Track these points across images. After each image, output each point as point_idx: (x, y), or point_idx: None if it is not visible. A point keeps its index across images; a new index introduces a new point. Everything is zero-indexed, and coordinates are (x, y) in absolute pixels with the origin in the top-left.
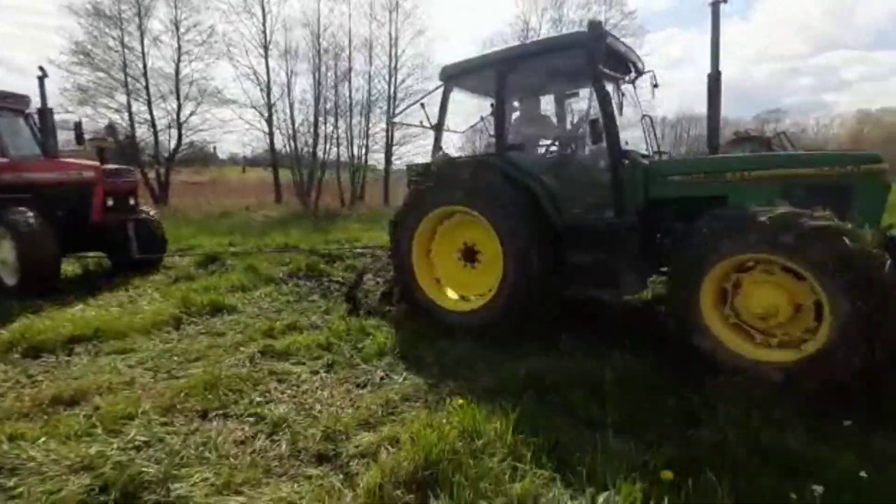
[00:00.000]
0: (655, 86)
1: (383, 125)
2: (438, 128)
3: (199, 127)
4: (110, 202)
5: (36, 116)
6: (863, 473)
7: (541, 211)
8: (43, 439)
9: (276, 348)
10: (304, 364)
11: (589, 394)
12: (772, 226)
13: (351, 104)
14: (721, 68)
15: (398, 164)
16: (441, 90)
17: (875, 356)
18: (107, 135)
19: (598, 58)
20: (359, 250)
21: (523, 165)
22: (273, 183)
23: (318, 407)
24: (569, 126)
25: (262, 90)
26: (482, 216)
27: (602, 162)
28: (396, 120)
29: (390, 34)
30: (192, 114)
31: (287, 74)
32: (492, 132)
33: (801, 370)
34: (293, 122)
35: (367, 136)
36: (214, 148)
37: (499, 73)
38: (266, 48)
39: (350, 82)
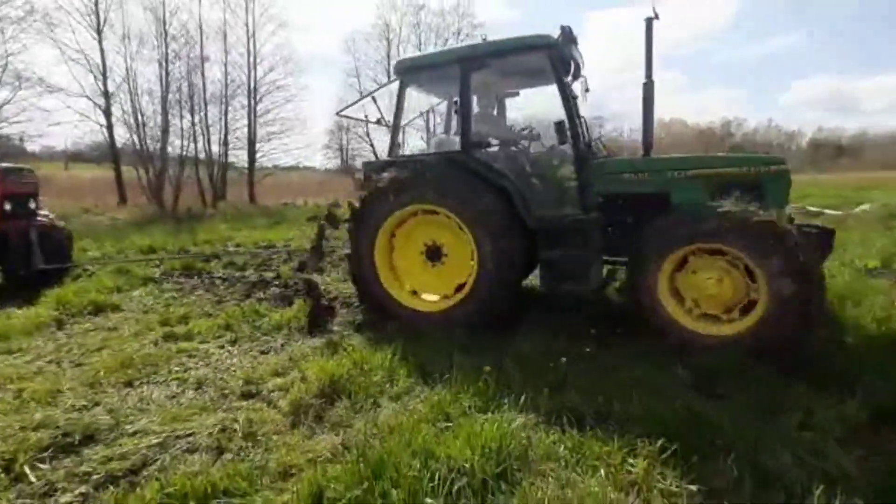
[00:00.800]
0: (587, 90)
1: (245, 121)
2: (395, 125)
3: (12, 118)
4: (7, 206)
5: None
6: None
7: (512, 208)
8: None
9: (178, 333)
10: (208, 342)
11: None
12: (723, 219)
13: (205, 97)
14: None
15: (263, 161)
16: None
17: (810, 323)
18: None
19: (567, 60)
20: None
21: (490, 164)
22: (115, 182)
23: (232, 368)
24: (521, 126)
25: (95, 77)
26: (454, 215)
27: (558, 160)
28: (344, 114)
29: (247, 25)
30: (6, 102)
31: (126, 60)
32: (435, 129)
33: (744, 339)
34: (136, 114)
35: (227, 132)
36: (21, 139)
37: (464, 70)
38: (99, 31)
39: (203, 74)
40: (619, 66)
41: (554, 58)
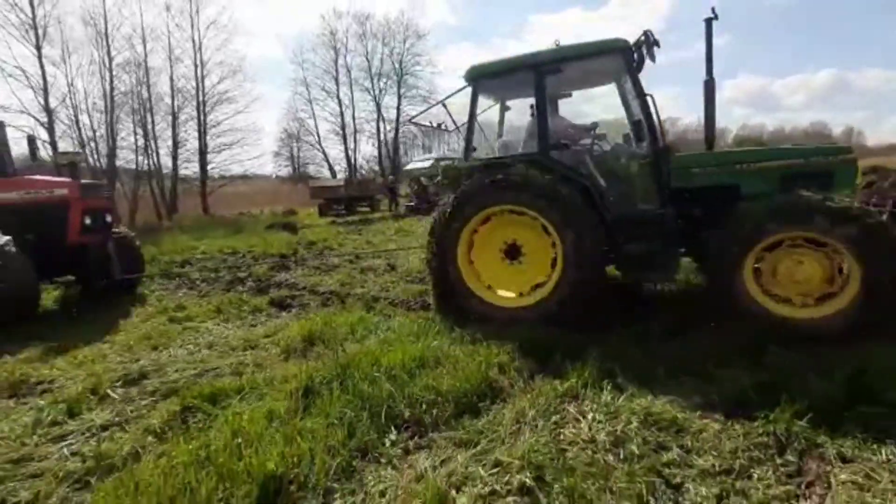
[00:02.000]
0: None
1: (195, 132)
2: (469, 129)
3: None
4: (88, 221)
5: None
6: None
7: (594, 205)
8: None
9: (179, 317)
10: (206, 322)
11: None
12: (824, 210)
13: (152, 110)
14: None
15: (213, 172)
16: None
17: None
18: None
19: (639, 63)
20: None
21: (569, 163)
22: None
23: (231, 336)
24: (584, 126)
25: (35, 93)
26: (540, 214)
27: (626, 157)
28: (416, 121)
29: (193, 39)
30: None
31: (66, 76)
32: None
33: (831, 323)
34: (80, 130)
35: (176, 146)
36: None
37: (539, 75)
38: (38, 46)
39: (149, 88)
40: None
41: (629, 60)
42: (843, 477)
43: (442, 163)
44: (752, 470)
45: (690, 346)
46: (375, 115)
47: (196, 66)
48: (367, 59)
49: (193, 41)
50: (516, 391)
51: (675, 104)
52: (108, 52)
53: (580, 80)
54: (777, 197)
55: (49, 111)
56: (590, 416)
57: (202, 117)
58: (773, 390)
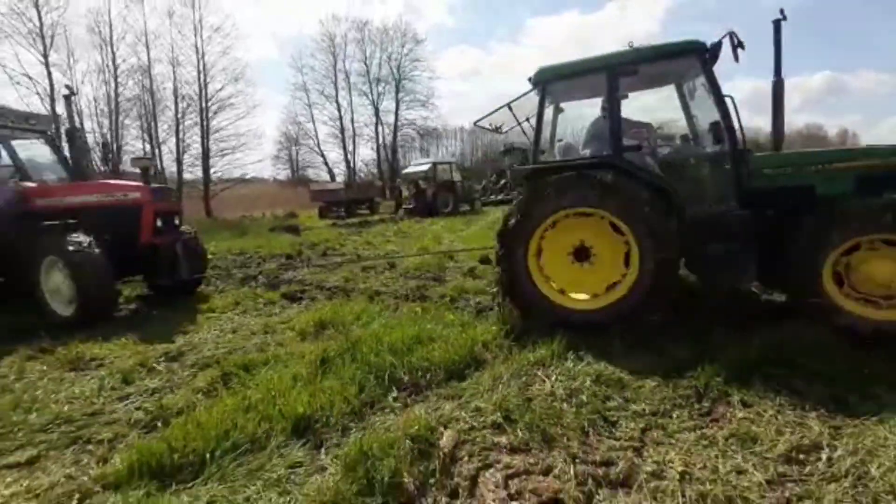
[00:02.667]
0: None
1: (197, 137)
2: (538, 132)
3: None
4: (159, 223)
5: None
6: None
7: (671, 208)
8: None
9: (203, 308)
10: (226, 313)
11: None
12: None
13: (156, 115)
14: (503, 84)
15: (215, 176)
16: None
17: None
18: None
19: (714, 61)
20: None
21: (643, 165)
22: None
23: (251, 323)
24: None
25: (42, 99)
26: (616, 217)
27: (697, 158)
28: (481, 124)
29: (196, 46)
30: None
31: (74, 84)
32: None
33: None
34: (87, 135)
35: (180, 150)
36: None
37: (612, 77)
38: (45, 55)
39: (153, 94)
40: None
41: (704, 61)
42: (740, 415)
43: (436, 166)
44: (673, 412)
45: (647, 327)
46: (374, 120)
47: (199, 72)
48: (365, 64)
49: (196, 48)
50: (496, 362)
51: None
52: (114, 60)
53: (643, 82)
54: (865, 200)
55: (56, 117)
56: (553, 378)
57: (205, 123)
58: (705, 358)
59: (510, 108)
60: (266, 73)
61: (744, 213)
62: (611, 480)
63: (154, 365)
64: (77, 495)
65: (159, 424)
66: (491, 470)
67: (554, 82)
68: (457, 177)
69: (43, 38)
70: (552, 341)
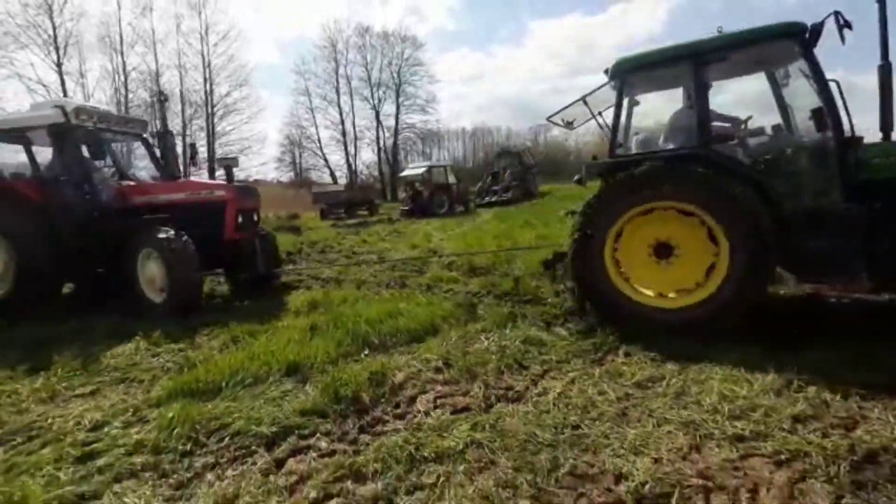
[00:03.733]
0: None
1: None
2: (615, 126)
3: None
4: (241, 219)
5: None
6: None
7: (766, 201)
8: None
9: (215, 295)
10: (233, 301)
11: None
12: None
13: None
14: (504, 87)
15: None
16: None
17: None
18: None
19: (815, 46)
20: None
21: (734, 157)
22: None
23: (256, 307)
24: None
25: None
26: (706, 212)
27: (793, 148)
28: (553, 119)
29: (202, 54)
30: None
31: (85, 90)
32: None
33: None
34: None
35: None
36: None
37: (698, 65)
38: (59, 63)
39: (162, 101)
40: (563, 73)
41: (805, 44)
42: (619, 361)
43: (432, 169)
44: (572, 360)
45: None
46: (375, 123)
47: (205, 79)
48: (366, 69)
49: (202, 55)
50: (451, 330)
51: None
52: (124, 68)
53: (730, 71)
54: None
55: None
56: (490, 339)
57: (211, 127)
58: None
59: (585, 103)
60: (268, 77)
61: (849, 207)
62: (508, 398)
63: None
64: (130, 409)
65: (185, 370)
66: (427, 394)
67: (633, 73)
68: (451, 179)
69: (57, 48)
70: (497, 315)
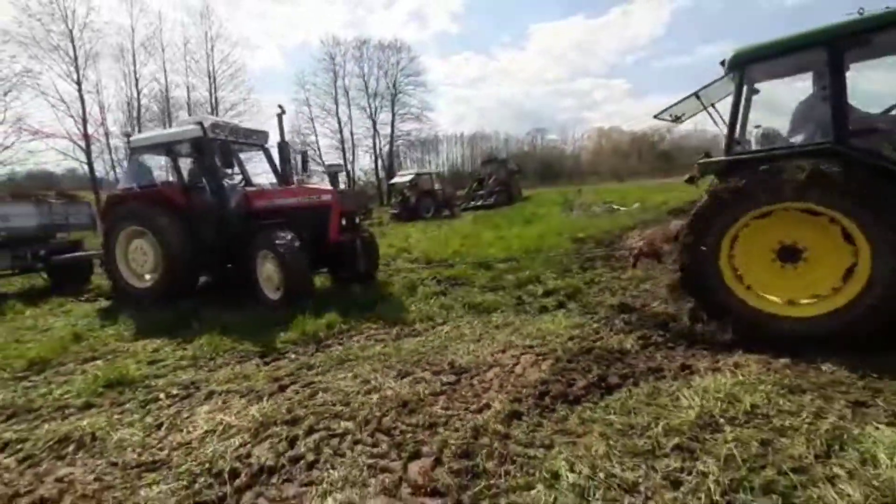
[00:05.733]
0: None
1: None
2: (732, 122)
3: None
4: (344, 222)
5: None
6: None
7: None
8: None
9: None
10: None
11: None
12: None
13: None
14: (506, 91)
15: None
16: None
17: None
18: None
19: None
20: None
21: (877, 151)
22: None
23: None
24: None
25: (76, 121)
26: (845, 215)
27: None
28: (661, 116)
29: (209, 72)
30: (5, 148)
31: (99, 107)
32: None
33: None
34: (111, 152)
35: None
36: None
37: (835, 51)
38: (79, 82)
39: (169, 116)
40: (565, 76)
41: None
42: (525, 320)
43: (419, 176)
44: (495, 311)
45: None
46: (372, 132)
47: (210, 94)
48: (363, 80)
49: (209, 73)
50: (399, 297)
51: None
52: (136, 84)
53: (863, 55)
54: None
55: (87, 136)
56: (415, 304)
57: None
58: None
59: (698, 97)
60: (272, 84)
61: None
62: (411, 335)
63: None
64: (177, 342)
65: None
66: (362, 334)
67: (755, 64)
68: (437, 185)
69: (77, 68)
70: (428, 291)
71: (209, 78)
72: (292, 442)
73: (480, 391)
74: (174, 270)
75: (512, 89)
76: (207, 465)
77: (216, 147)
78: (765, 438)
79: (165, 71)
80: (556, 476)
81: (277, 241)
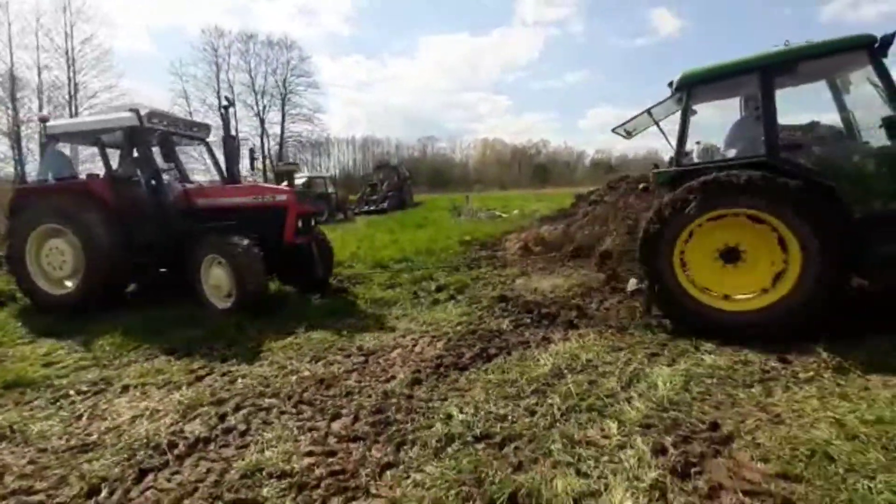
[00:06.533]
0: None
1: None
2: (682, 135)
3: None
4: (299, 224)
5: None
6: None
7: (840, 208)
8: None
9: None
10: None
11: None
12: None
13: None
14: (397, 97)
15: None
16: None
17: None
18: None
19: (884, 56)
20: None
21: (803, 164)
22: None
23: None
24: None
25: None
26: (779, 219)
27: (864, 154)
28: (617, 131)
29: (67, 51)
30: None
31: None
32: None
33: None
34: None
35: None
36: None
37: (766, 78)
38: None
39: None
40: (454, 88)
41: (874, 54)
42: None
43: (313, 180)
44: (394, 305)
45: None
46: (260, 131)
47: (69, 78)
48: (250, 75)
49: (67, 53)
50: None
51: (549, 128)
52: None
53: (793, 80)
54: None
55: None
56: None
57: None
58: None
59: (650, 114)
60: (139, 68)
61: None
62: (317, 325)
63: None
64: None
65: None
66: (270, 330)
67: (699, 85)
68: (331, 189)
69: None
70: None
71: (67, 59)
72: (222, 417)
73: (387, 367)
74: (101, 274)
75: (403, 97)
76: (144, 441)
77: (154, 138)
78: (591, 380)
79: (11, 47)
80: (449, 417)
81: (231, 245)
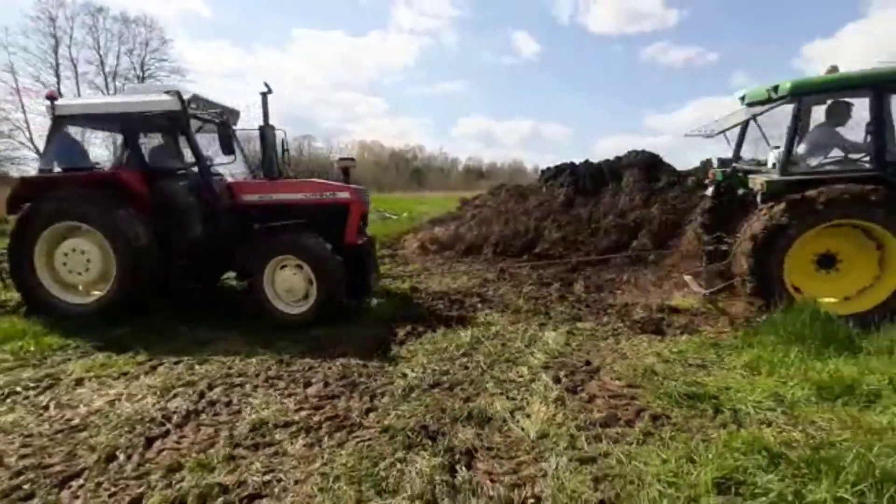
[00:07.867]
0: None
1: None
2: (789, 144)
3: None
4: (361, 223)
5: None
6: None
7: None
8: None
9: None
10: None
11: None
12: None
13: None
14: (276, 91)
15: None
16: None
17: None
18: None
19: None
20: None
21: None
22: None
23: None
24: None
25: None
26: (889, 232)
27: None
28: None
29: None
30: None
31: None
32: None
33: None
34: None
35: None
36: None
37: (879, 92)
38: None
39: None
40: (330, 85)
41: None
42: None
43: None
44: None
45: None
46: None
47: None
48: (98, 54)
49: None
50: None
51: (425, 133)
52: None
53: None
54: None
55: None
56: None
57: None
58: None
59: (755, 121)
60: None
61: None
62: (256, 316)
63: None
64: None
65: None
66: (203, 325)
67: (810, 95)
68: None
69: None
70: None
71: None
72: (201, 394)
73: (335, 346)
74: (137, 279)
75: (276, 91)
76: (138, 417)
77: (195, 125)
78: (503, 343)
79: None
80: (404, 375)
81: (312, 248)
